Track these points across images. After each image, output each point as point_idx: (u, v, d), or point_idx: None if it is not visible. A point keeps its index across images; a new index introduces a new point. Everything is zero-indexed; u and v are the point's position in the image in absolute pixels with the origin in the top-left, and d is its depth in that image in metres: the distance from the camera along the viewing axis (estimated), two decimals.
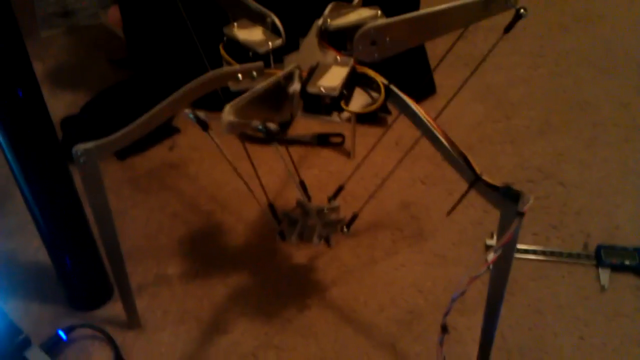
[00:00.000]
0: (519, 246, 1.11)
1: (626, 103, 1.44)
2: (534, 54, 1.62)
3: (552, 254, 1.10)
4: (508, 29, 0.79)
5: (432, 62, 1.42)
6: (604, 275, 1.06)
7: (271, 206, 0.94)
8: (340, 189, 1.05)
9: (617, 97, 1.46)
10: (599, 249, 1.09)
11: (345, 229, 0.97)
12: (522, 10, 0.76)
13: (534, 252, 1.10)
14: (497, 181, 0.67)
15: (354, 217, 0.98)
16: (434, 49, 1.34)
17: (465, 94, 1.50)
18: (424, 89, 1.43)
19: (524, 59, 1.61)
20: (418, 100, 1.40)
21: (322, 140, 1.35)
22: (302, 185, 1.01)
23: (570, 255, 1.10)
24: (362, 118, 1.37)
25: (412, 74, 1.36)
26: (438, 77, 1.43)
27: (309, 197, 1.00)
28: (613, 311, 1.01)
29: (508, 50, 1.62)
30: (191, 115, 0.75)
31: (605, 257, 1.07)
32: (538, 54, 1.61)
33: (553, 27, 1.70)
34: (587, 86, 1.50)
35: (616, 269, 1.07)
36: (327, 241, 0.95)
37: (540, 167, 1.28)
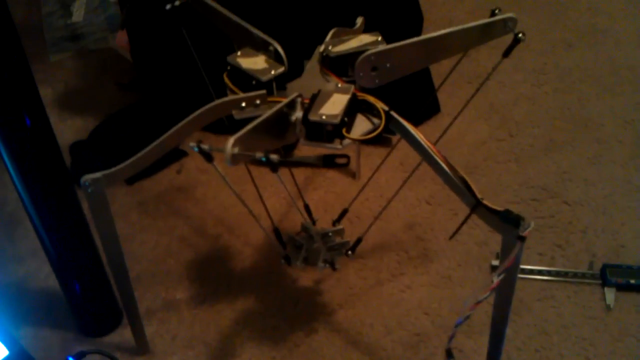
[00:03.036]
0: (525, 266, 1.11)
1: (630, 120, 1.45)
2: (537, 71, 1.62)
3: (557, 273, 1.10)
4: (506, 53, 0.80)
5: (436, 81, 1.43)
6: (610, 294, 1.06)
7: (276, 231, 0.95)
8: (344, 212, 1.06)
9: (622, 114, 1.47)
10: (604, 268, 1.09)
11: (349, 253, 0.98)
12: (520, 35, 0.77)
13: (540, 272, 1.11)
14: (501, 201, 0.68)
15: (359, 241, 0.99)
16: (438, 67, 1.35)
17: (469, 112, 1.51)
18: (428, 108, 1.44)
19: (527, 76, 1.61)
20: (423, 119, 1.42)
21: (328, 162, 1.36)
22: (307, 209, 1.02)
23: (575, 274, 1.10)
24: (367, 139, 1.38)
25: (416, 93, 1.37)
26: (442, 96, 1.45)
27: (313, 221, 1.01)
28: (619, 331, 1.01)
29: (511, 68, 1.63)
30: (196, 149, 0.77)
31: (610, 276, 1.08)
32: (541, 71, 1.62)
33: (556, 44, 1.71)
34: (591, 103, 1.51)
35: (622, 288, 1.07)
36: (332, 265, 0.96)
37: (545, 185, 1.29)
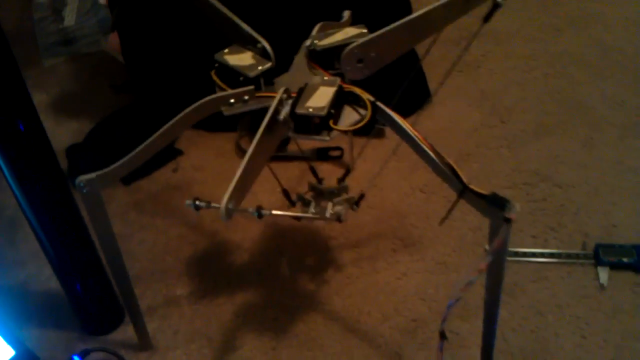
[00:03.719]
0: (519, 249, 1.13)
1: (621, 102, 1.46)
2: (527, 57, 1.64)
3: (551, 255, 1.12)
4: (487, 18, 0.78)
5: (426, 68, 1.44)
6: (603, 273, 1.08)
7: (285, 191, 0.99)
8: (347, 171, 1.06)
9: (612, 97, 1.48)
10: (597, 247, 1.10)
11: (355, 207, 0.99)
12: (499, 0, 0.77)
13: (533, 254, 1.12)
14: (494, 186, 0.69)
15: (362, 196, 0.99)
16: (428, 56, 1.36)
17: (460, 100, 1.53)
18: (419, 97, 1.45)
19: (517, 62, 1.63)
20: (414, 108, 1.44)
21: (322, 155, 1.38)
22: (313, 170, 1.03)
23: (569, 255, 1.12)
24: (359, 131, 1.39)
25: (407, 83, 1.38)
26: (432, 84, 1.46)
27: (319, 181, 1.02)
28: (613, 309, 1.03)
29: (502, 55, 1.64)
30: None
31: (603, 255, 1.09)
32: (531, 56, 1.63)
33: (546, 29, 1.72)
34: (581, 87, 1.52)
35: (615, 266, 1.08)
36: (339, 218, 0.97)
37: (537, 169, 1.30)
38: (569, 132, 1.40)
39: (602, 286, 1.06)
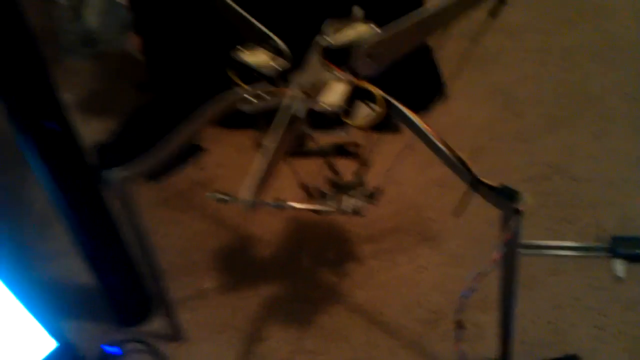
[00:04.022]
0: (535, 242, 1.16)
1: (633, 94, 1.48)
2: (540, 51, 1.65)
3: (568, 248, 1.15)
4: (493, 13, 0.80)
5: (441, 63, 1.46)
6: (619, 265, 1.11)
7: (304, 185, 1.01)
8: (364, 166, 1.09)
9: (624, 89, 1.50)
10: (612, 240, 1.13)
11: (373, 201, 1.02)
12: None
13: (550, 247, 1.15)
14: (508, 180, 0.71)
15: (379, 190, 1.02)
16: (442, 51, 1.39)
17: (474, 95, 1.55)
18: (434, 92, 1.47)
19: (531, 56, 1.64)
20: (429, 103, 1.46)
21: (339, 150, 1.41)
22: (330, 165, 1.06)
23: (585, 248, 1.14)
24: (375, 126, 1.42)
25: (420, 77, 1.41)
26: (447, 79, 1.48)
27: (338, 174, 1.05)
28: (628, 300, 1.06)
29: (515, 49, 1.66)
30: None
31: (619, 247, 1.12)
32: (544, 50, 1.65)
33: (559, 23, 1.74)
34: (594, 80, 1.54)
35: (630, 258, 1.11)
36: (358, 212, 0.99)
37: (551, 162, 1.33)
38: (582, 125, 1.42)
39: (618, 278, 1.09)
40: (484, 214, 1.21)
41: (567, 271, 1.12)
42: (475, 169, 0.72)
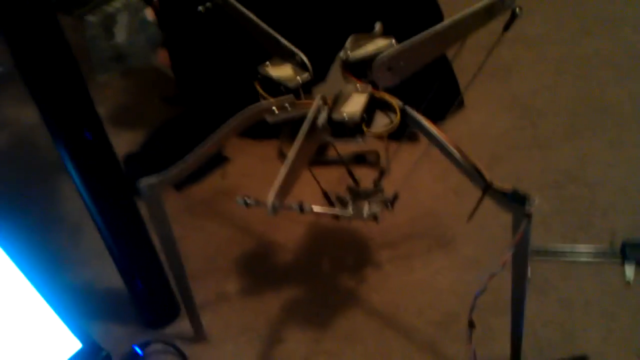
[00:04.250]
0: (549, 248, 1.18)
1: None
2: (557, 60, 1.68)
3: (580, 253, 1.17)
4: (506, 27, 0.83)
5: (459, 74, 1.50)
6: (630, 270, 1.13)
7: (324, 192, 1.06)
8: (382, 173, 1.13)
9: None
10: (623, 245, 1.15)
11: (390, 206, 1.06)
12: (517, 10, 0.82)
13: (563, 253, 1.18)
14: (524, 187, 0.74)
15: (396, 196, 1.06)
16: (459, 61, 1.42)
17: (492, 104, 1.59)
18: (451, 102, 1.51)
19: (548, 65, 1.67)
20: (447, 113, 1.49)
21: (359, 159, 1.46)
22: (350, 173, 1.11)
23: (597, 254, 1.17)
24: (391, 135, 1.46)
25: (439, 88, 1.44)
26: (465, 90, 1.51)
27: (356, 182, 1.09)
28: (638, 304, 1.08)
29: (532, 59, 1.69)
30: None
31: (630, 252, 1.14)
32: (561, 59, 1.68)
33: (575, 33, 1.76)
34: (610, 88, 1.56)
35: None
36: (375, 218, 1.03)
37: (567, 170, 1.35)
38: (598, 133, 1.44)
39: (628, 282, 1.11)
40: (499, 219, 1.25)
41: (579, 276, 1.14)
42: (492, 177, 0.75)
